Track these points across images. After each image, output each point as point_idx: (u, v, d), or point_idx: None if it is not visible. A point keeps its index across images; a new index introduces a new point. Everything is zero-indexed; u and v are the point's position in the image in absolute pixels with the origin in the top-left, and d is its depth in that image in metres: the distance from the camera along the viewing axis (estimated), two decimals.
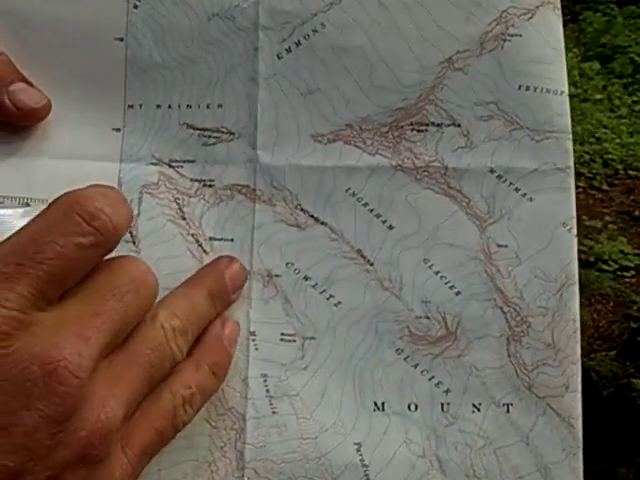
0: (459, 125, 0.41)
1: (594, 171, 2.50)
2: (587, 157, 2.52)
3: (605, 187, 2.48)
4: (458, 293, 0.40)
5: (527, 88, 0.41)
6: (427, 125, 0.41)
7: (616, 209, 2.40)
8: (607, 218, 2.36)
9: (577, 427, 0.39)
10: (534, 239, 0.40)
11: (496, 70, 0.41)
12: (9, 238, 0.30)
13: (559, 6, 0.42)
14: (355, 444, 0.38)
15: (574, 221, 0.40)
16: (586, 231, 2.24)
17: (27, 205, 0.39)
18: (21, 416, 0.28)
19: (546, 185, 0.40)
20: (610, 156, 2.56)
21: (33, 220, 0.31)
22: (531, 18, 0.41)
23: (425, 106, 0.41)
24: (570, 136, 0.41)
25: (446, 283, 0.40)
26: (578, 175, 2.43)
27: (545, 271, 0.40)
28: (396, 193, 0.40)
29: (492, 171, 0.41)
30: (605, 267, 2.15)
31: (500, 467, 0.38)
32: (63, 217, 0.30)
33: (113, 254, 0.34)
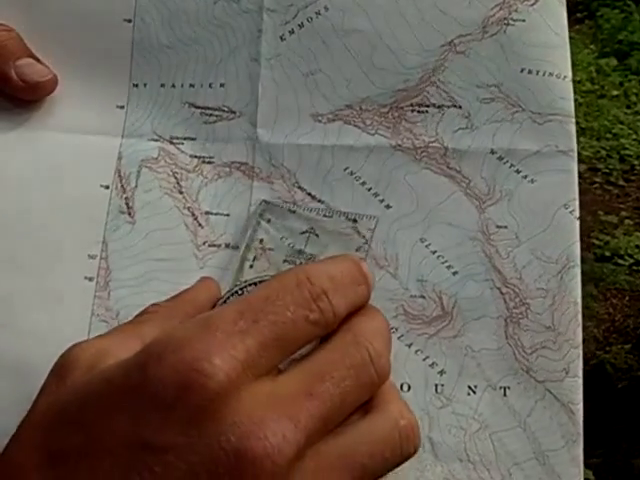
0: (460, 107, 0.41)
1: (610, 167, 2.51)
2: (604, 153, 2.53)
3: (621, 182, 2.49)
4: (455, 273, 0.39)
5: (529, 71, 0.41)
6: (428, 106, 0.41)
7: (632, 204, 2.41)
8: (623, 213, 2.36)
9: (577, 413, 0.37)
10: (535, 220, 0.39)
11: (498, 53, 0.41)
12: (244, 296, 0.30)
13: None
14: None
15: (576, 203, 0.39)
16: (602, 226, 2.25)
17: (355, 221, 0.39)
18: None
19: (548, 167, 0.40)
20: (627, 152, 2.57)
21: (268, 283, 0.30)
22: (534, 4, 0.41)
23: (426, 88, 0.41)
24: (573, 119, 0.40)
25: (443, 262, 0.39)
26: (595, 170, 2.45)
27: (545, 252, 0.39)
28: (394, 172, 0.40)
29: (493, 152, 0.40)
30: (621, 262, 2.16)
31: (495, 452, 0.37)
32: (296, 287, 0.30)
33: None
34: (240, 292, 0.34)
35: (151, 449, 0.26)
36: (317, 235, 0.39)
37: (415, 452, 0.31)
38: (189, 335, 0.27)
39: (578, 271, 0.39)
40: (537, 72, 0.41)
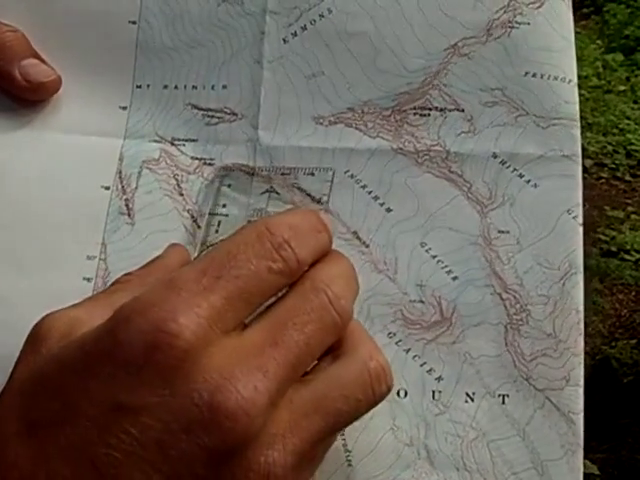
0: (463, 110, 0.40)
1: (617, 162, 2.51)
2: (610, 148, 2.53)
3: (628, 178, 2.49)
4: (455, 278, 0.38)
5: (534, 75, 0.40)
6: (430, 110, 0.41)
7: (639, 199, 2.41)
8: (630, 208, 2.36)
9: (578, 423, 0.36)
10: (537, 226, 0.39)
11: (502, 57, 0.41)
12: (207, 253, 0.31)
13: None
14: None
15: (580, 209, 0.39)
16: (608, 221, 2.25)
17: (312, 175, 0.40)
18: (179, 439, 0.26)
19: (551, 172, 0.39)
20: (633, 147, 2.56)
21: (229, 238, 0.31)
22: (540, 7, 0.41)
23: (429, 91, 0.41)
24: (578, 123, 0.40)
25: (443, 267, 0.39)
26: (601, 166, 2.44)
27: (547, 258, 0.38)
28: (395, 176, 0.40)
29: (495, 156, 0.40)
30: (627, 257, 2.16)
31: (493, 461, 0.36)
32: (256, 239, 0.30)
33: None
34: None
35: (125, 411, 0.26)
36: (277, 193, 0.39)
37: (389, 392, 0.32)
38: (154, 297, 0.28)
39: (581, 278, 0.38)
40: (541, 76, 0.40)
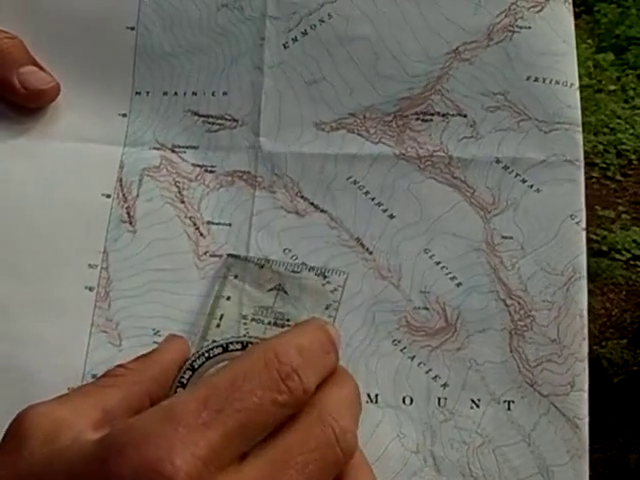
0: (465, 115, 0.40)
1: (608, 161, 2.54)
2: (601, 147, 2.56)
3: (619, 177, 2.51)
4: (459, 284, 0.39)
5: (536, 79, 0.40)
6: (432, 115, 0.41)
7: (629, 199, 2.43)
8: (620, 208, 2.38)
9: (583, 428, 0.37)
10: (540, 231, 0.39)
11: (504, 61, 0.41)
12: (210, 378, 0.30)
13: (570, 0, 0.41)
14: None
15: (583, 214, 0.39)
16: (599, 221, 2.28)
17: (324, 277, 0.39)
18: None
19: (554, 177, 0.39)
20: (624, 146, 2.59)
21: (235, 363, 0.30)
22: (541, 11, 0.41)
23: (431, 96, 0.41)
24: (580, 128, 0.40)
25: (447, 274, 0.39)
26: (592, 165, 2.47)
27: (551, 264, 0.38)
28: (398, 182, 0.40)
29: (498, 161, 0.40)
30: (618, 256, 2.19)
31: (499, 467, 0.36)
32: (264, 368, 0.29)
33: None
34: (207, 354, 0.33)
35: None
36: (286, 292, 0.38)
37: None
38: (151, 429, 0.27)
39: (584, 283, 0.38)
40: (543, 80, 0.40)
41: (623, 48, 2.98)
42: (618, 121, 2.63)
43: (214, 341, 0.34)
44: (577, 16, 3.15)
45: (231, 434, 0.27)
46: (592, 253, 2.11)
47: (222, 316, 0.38)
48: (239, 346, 0.33)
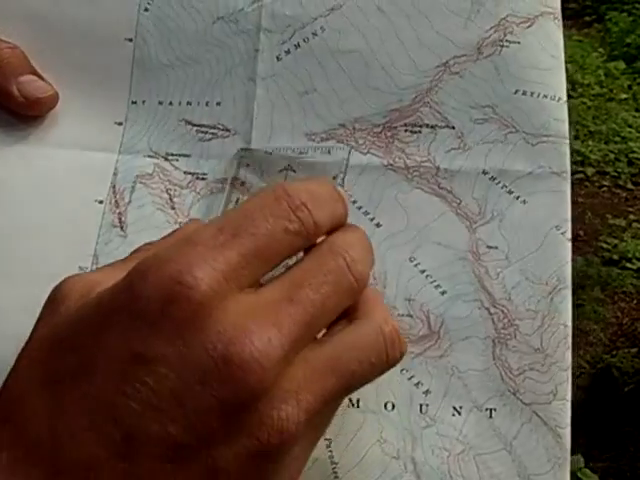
0: (453, 127, 0.41)
1: (619, 170, 2.54)
2: (612, 156, 2.56)
3: (630, 186, 2.51)
4: (443, 292, 0.39)
5: (524, 93, 0.41)
6: (421, 126, 0.41)
7: None
8: (631, 217, 2.38)
9: (564, 437, 0.37)
10: (526, 241, 0.39)
11: (493, 75, 0.42)
12: (225, 212, 0.32)
13: (559, 17, 0.42)
14: (326, 439, 0.38)
15: (568, 224, 0.39)
16: (610, 229, 2.27)
17: (328, 153, 0.41)
18: (194, 390, 0.27)
19: (540, 188, 0.40)
20: (635, 155, 2.59)
21: (247, 200, 0.32)
22: (530, 27, 0.42)
23: (420, 108, 0.42)
24: (567, 141, 0.41)
25: (432, 282, 0.39)
26: (603, 174, 2.47)
27: (536, 273, 0.39)
28: (385, 191, 0.41)
29: (485, 173, 0.41)
30: (629, 265, 2.17)
31: (480, 475, 0.37)
32: (274, 201, 0.31)
33: None
34: None
35: (141, 361, 0.27)
36: (294, 170, 0.40)
37: (401, 358, 0.32)
38: (171, 252, 0.29)
39: (569, 293, 0.39)
40: (531, 94, 0.41)
41: (634, 57, 3.01)
42: (629, 129, 2.65)
43: None
44: (588, 25, 3.17)
45: (247, 255, 0.29)
46: (603, 262, 2.11)
47: (237, 200, 0.41)
48: None
